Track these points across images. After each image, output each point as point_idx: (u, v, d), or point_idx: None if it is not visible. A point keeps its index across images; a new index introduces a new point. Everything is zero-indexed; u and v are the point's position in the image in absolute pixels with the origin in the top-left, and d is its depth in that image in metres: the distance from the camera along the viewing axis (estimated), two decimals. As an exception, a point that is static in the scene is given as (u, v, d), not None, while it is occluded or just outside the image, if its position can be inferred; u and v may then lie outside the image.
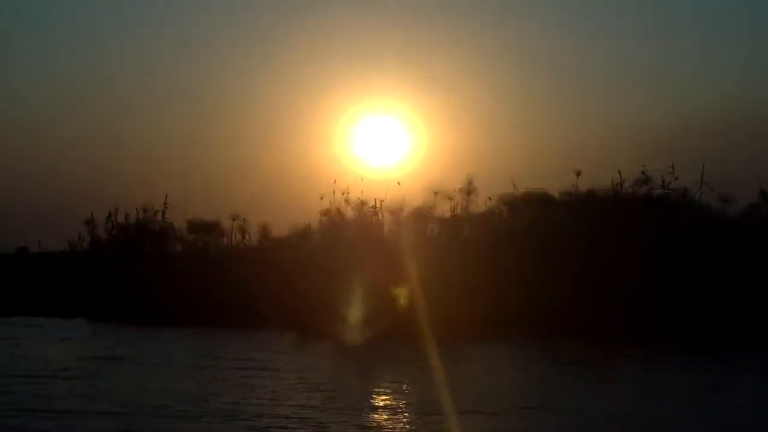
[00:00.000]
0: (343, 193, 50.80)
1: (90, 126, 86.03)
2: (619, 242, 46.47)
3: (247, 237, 53.83)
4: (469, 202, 49.25)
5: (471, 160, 77.08)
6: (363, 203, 50.41)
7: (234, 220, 53.66)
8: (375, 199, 50.39)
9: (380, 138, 68.24)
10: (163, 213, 60.31)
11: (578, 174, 50.16)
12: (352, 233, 47.63)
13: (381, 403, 24.44)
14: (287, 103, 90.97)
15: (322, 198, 50.85)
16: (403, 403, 24.29)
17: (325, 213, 49.69)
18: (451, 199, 48.65)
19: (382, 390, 27.21)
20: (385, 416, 22.43)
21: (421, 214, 48.53)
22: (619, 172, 51.23)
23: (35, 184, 79.79)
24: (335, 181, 51.03)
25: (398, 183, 51.19)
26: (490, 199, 49.55)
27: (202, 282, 49.73)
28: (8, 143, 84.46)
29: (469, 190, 48.92)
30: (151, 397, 24.64)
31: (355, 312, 41.46)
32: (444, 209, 49.11)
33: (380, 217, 49.58)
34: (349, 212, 49.80)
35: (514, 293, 44.86)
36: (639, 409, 23.94)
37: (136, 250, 56.63)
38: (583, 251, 46.55)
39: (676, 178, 50.92)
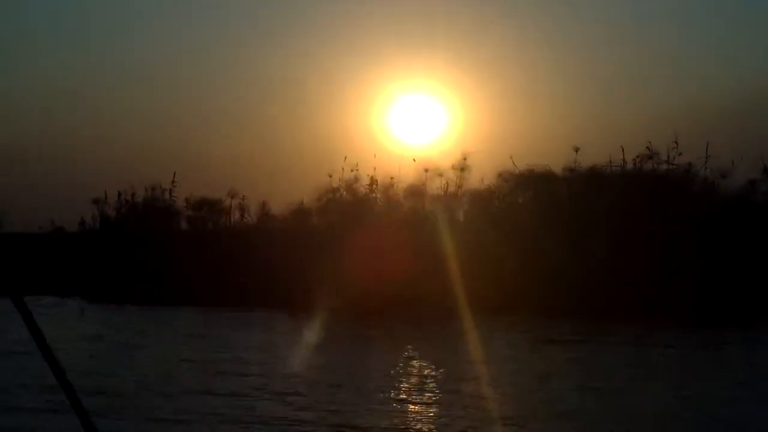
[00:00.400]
0: (352, 170, 50.27)
1: (112, 106, 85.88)
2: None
3: (246, 215, 53.54)
4: (462, 180, 48.64)
5: (505, 138, 76.06)
6: (373, 181, 49.81)
7: (232, 197, 53.32)
8: (391, 178, 49.72)
9: (416, 116, 67.12)
10: (171, 191, 60.23)
11: (577, 150, 49.49)
12: (342, 211, 47.01)
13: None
14: (323, 83, 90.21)
15: (330, 176, 50.36)
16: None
17: (321, 191, 49.18)
18: (441, 176, 48.00)
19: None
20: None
21: (414, 191, 47.85)
22: (622, 148, 50.60)
23: (50, 163, 79.78)
24: (345, 159, 50.53)
25: (413, 160, 50.33)
26: (482, 179, 49.04)
27: (200, 261, 49.32)
28: (26, 123, 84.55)
29: (462, 166, 48.24)
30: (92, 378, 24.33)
31: (339, 290, 40.87)
32: (440, 186, 48.56)
33: (374, 195, 48.97)
34: (349, 190, 49.15)
35: (517, 271, 44.10)
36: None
37: (139, 229, 56.39)
38: (588, 227, 45.77)
39: (680, 154, 50.33)
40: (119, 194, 61.65)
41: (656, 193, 47.48)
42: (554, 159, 53.27)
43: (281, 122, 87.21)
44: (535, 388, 23.98)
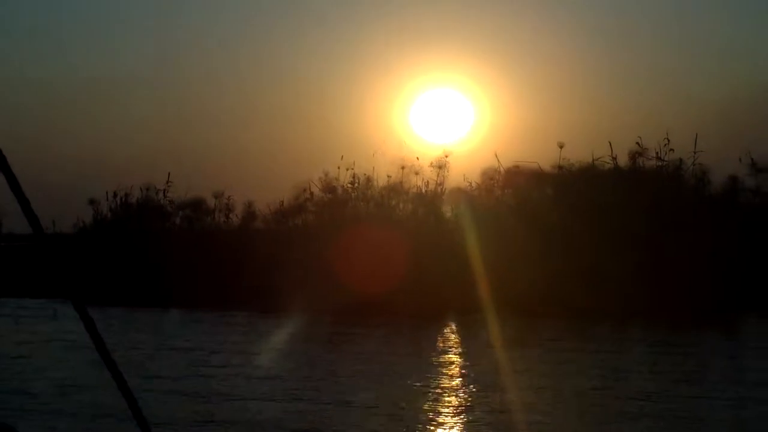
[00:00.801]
0: (348, 169, 49.73)
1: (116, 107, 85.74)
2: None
3: (232, 215, 53.06)
4: (442, 177, 47.98)
5: (530, 136, 75.24)
6: (368, 180, 49.14)
7: (216, 198, 52.86)
8: (387, 176, 49.06)
9: (437, 113, 65.95)
10: (165, 191, 59.92)
11: (561, 146, 48.93)
12: (317, 211, 46.52)
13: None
14: (345, 80, 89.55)
15: (326, 174, 49.80)
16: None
17: (297, 190, 48.66)
18: (417, 174, 47.35)
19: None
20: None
21: (393, 189, 47.28)
22: (609, 143, 49.95)
23: (50, 163, 79.65)
24: (342, 158, 49.95)
25: (417, 158, 49.25)
26: (465, 177, 48.38)
27: (182, 263, 48.84)
28: (25, 125, 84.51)
29: (440, 164, 47.64)
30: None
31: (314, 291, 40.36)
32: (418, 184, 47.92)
33: (353, 194, 48.33)
34: (325, 190, 48.54)
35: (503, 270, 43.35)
36: None
37: (127, 231, 55.97)
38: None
39: (672, 150, 49.64)
40: (114, 194, 61.55)
41: (644, 189, 46.81)
42: (582, 154, 51.92)
43: (295, 119, 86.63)
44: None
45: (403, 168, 47.20)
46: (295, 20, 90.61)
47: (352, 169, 49.89)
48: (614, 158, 49.57)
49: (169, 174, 59.22)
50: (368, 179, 47.87)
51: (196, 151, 77.64)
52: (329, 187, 48.21)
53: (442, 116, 65.18)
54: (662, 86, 78.96)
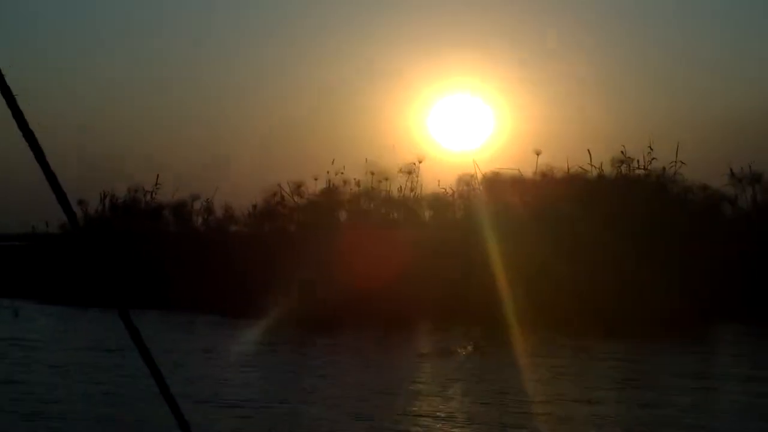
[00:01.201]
0: (337, 173, 49.49)
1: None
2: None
3: (210, 218, 52.92)
4: (412, 183, 47.71)
5: (549, 140, 74.58)
6: (330, 184, 48.92)
7: (194, 200, 52.80)
8: (343, 180, 48.78)
9: (454, 118, 65.23)
10: (152, 193, 60.00)
11: (538, 154, 48.74)
12: (287, 215, 46.34)
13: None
14: (362, 81, 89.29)
15: (316, 179, 49.67)
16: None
17: (267, 195, 48.49)
18: (387, 179, 47.08)
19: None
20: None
21: (364, 194, 47.10)
22: (588, 151, 49.71)
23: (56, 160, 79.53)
24: (333, 162, 49.72)
25: (419, 161, 48.98)
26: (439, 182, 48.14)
27: (159, 264, 48.77)
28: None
29: (410, 170, 47.35)
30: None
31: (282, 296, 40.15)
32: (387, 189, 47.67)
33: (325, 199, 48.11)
34: (296, 193, 48.42)
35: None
36: None
37: (114, 231, 55.91)
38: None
39: (654, 159, 49.42)
40: (103, 195, 61.85)
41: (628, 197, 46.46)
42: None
43: (314, 125, 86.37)
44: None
45: (373, 174, 47.00)
46: (314, 23, 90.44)
47: (342, 173, 49.71)
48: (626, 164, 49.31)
49: (157, 176, 59.34)
50: (344, 182, 47.76)
51: (217, 156, 77.50)
52: (297, 191, 48.08)
53: (461, 122, 64.44)
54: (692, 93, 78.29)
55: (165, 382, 3.76)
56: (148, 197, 59.67)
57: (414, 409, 22.39)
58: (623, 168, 49.26)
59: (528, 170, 48.45)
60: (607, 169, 49.62)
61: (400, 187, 47.46)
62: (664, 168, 48.73)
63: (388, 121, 74.63)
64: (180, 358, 29.92)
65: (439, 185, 47.86)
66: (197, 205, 53.09)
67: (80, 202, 62.30)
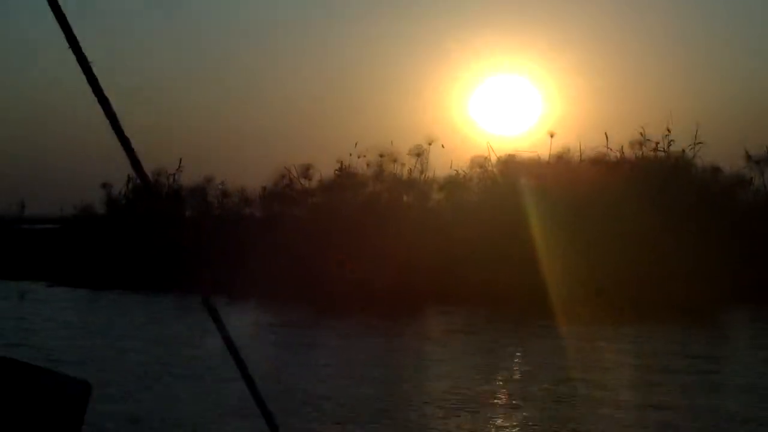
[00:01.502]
0: (359, 157, 49.05)
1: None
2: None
3: (226, 200, 52.77)
4: (423, 166, 47.33)
5: (597, 124, 73.82)
6: (343, 167, 48.46)
7: (208, 182, 52.71)
8: (340, 164, 48.23)
9: (499, 101, 63.84)
10: (174, 176, 59.85)
11: (552, 136, 48.37)
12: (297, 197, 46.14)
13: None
14: (404, 65, 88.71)
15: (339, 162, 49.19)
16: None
17: (275, 178, 48.34)
18: (395, 161, 46.75)
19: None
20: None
21: (374, 177, 46.89)
22: (605, 134, 49.25)
23: (75, 146, 80.00)
24: (356, 145, 49.21)
25: (429, 143, 48.03)
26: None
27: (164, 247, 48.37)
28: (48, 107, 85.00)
29: (418, 152, 46.95)
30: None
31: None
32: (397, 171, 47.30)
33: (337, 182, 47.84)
34: (304, 176, 48.18)
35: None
36: None
37: (130, 216, 55.79)
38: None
39: (673, 141, 48.94)
40: (128, 179, 61.72)
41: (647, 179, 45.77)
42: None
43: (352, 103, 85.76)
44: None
45: (382, 156, 46.65)
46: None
47: (364, 156, 49.19)
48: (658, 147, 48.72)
49: (180, 159, 59.24)
50: (346, 166, 47.49)
51: (251, 139, 77.31)
52: (306, 174, 47.92)
53: (506, 104, 63.10)
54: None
55: (248, 371, 3.80)
56: (171, 180, 59.65)
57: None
58: (642, 150, 48.77)
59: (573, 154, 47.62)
60: (627, 152, 49.09)
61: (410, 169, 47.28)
62: (683, 150, 48.30)
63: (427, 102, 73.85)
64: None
65: (451, 167, 47.41)
66: (212, 187, 52.96)
67: (104, 185, 62.59)
